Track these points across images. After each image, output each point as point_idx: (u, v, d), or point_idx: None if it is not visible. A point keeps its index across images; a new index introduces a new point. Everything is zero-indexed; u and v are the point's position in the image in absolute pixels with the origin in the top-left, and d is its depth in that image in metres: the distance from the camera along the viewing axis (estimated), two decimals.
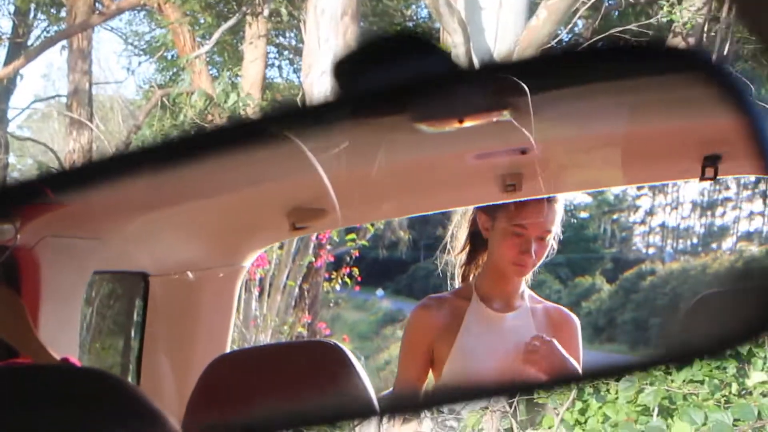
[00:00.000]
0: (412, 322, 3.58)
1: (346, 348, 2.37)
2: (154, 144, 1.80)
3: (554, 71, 1.54)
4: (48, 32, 20.60)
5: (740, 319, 1.74)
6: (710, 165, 2.60)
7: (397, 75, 1.32)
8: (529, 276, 3.49)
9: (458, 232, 3.63)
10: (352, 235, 10.17)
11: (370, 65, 1.33)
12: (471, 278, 3.58)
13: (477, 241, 3.54)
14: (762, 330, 1.54)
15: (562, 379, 3.28)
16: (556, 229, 3.38)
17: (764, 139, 1.36)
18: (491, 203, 3.26)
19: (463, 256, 3.62)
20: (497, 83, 1.50)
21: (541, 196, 3.15)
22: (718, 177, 2.61)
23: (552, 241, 3.38)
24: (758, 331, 1.60)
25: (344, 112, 1.51)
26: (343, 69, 1.37)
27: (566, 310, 3.51)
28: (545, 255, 3.37)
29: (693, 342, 2.08)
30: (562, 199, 3.39)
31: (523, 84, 1.48)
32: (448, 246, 3.69)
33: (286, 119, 1.57)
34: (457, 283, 3.63)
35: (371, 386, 2.28)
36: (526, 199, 3.14)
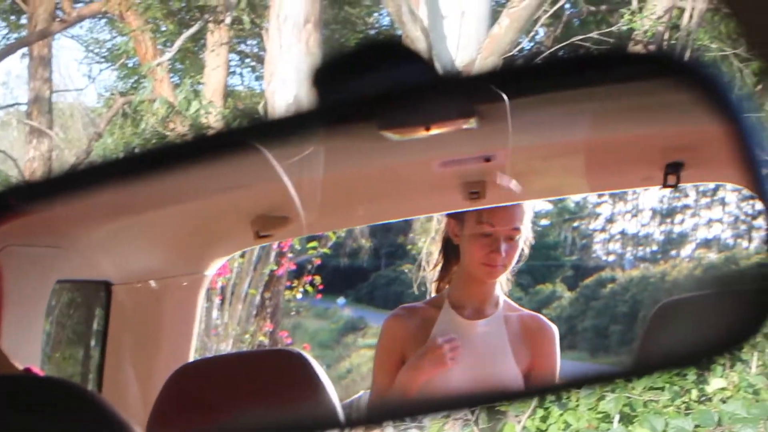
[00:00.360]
0: (384, 331, 3.55)
1: (309, 356, 2.36)
2: (120, 157, 1.79)
3: (518, 81, 1.54)
4: (8, 40, 20.44)
5: (704, 330, 1.76)
6: (672, 172, 2.62)
7: (379, 83, 1.32)
8: (504, 282, 3.47)
9: (432, 248, 3.61)
10: (314, 243, 10.16)
11: (352, 73, 1.33)
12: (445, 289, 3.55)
13: (450, 253, 3.52)
14: (731, 342, 1.54)
15: (536, 389, 3.28)
16: (527, 231, 3.36)
17: (748, 143, 1.36)
18: (457, 210, 3.27)
19: (437, 271, 3.60)
20: (464, 91, 1.51)
21: (505, 203, 3.16)
22: (679, 184, 2.63)
23: (522, 244, 3.36)
24: (728, 344, 1.60)
25: (314, 120, 1.51)
26: (324, 76, 1.37)
27: (544, 318, 3.48)
28: (516, 256, 3.35)
29: (659, 355, 2.09)
30: (528, 226, 3.38)
31: (491, 92, 1.48)
32: (423, 262, 3.68)
33: (254, 131, 1.57)
34: (432, 295, 3.62)
35: (335, 395, 2.28)
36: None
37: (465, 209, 3.15)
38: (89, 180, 1.56)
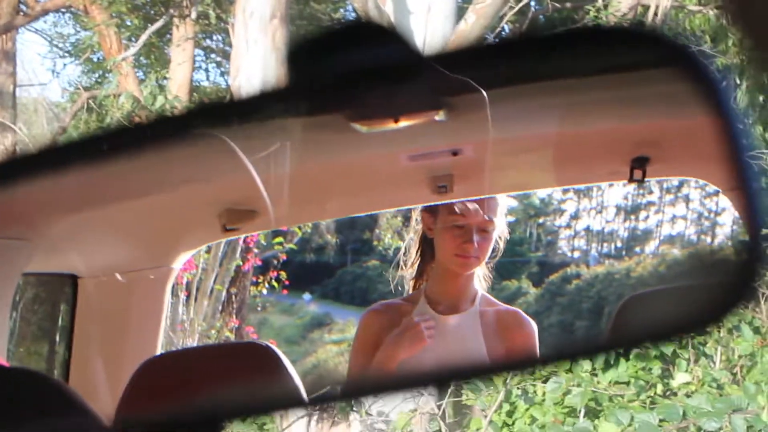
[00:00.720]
0: (361, 325, 3.55)
1: (277, 349, 2.37)
2: (80, 138, 1.78)
3: (496, 58, 1.54)
4: None
5: (668, 317, 1.77)
6: (638, 167, 2.64)
7: (356, 62, 1.32)
8: (483, 277, 3.48)
9: (410, 248, 3.61)
10: (280, 239, 10.16)
11: (326, 53, 1.33)
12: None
13: (426, 250, 3.52)
14: (691, 326, 1.56)
15: (503, 365, 3.27)
16: (501, 225, 3.36)
17: (738, 140, 1.36)
18: (428, 204, 3.28)
19: (415, 269, 3.60)
20: (433, 81, 1.51)
21: (473, 197, 3.17)
22: (645, 179, 2.65)
23: (497, 237, 3.36)
24: (686, 328, 1.62)
25: (279, 107, 1.51)
26: (300, 55, 1.36)
27: (522, 314, 3.47)
28: (490, 249, 3.34)
29: (622, 336, 2.11)
30: (503, 218, 3.38)
31: (463, 82, 1.49)
32: (401, 261, 3.66)
33: (217, 112, 1.56)
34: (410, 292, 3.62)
35: (302, 385, 2.28)
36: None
37: (436, 203, 3.16)
38: (50, 163, 1.55)
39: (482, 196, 3.20)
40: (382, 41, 1.32)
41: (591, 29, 1.49)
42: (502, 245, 3.42)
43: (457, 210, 3.28)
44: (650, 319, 2.02)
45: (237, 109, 1.58)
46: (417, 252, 3.57)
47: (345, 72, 1.34)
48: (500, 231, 3.38)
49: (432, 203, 3.16)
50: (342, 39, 1.33)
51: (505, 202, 3.39)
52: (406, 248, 3.65)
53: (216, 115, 1.56)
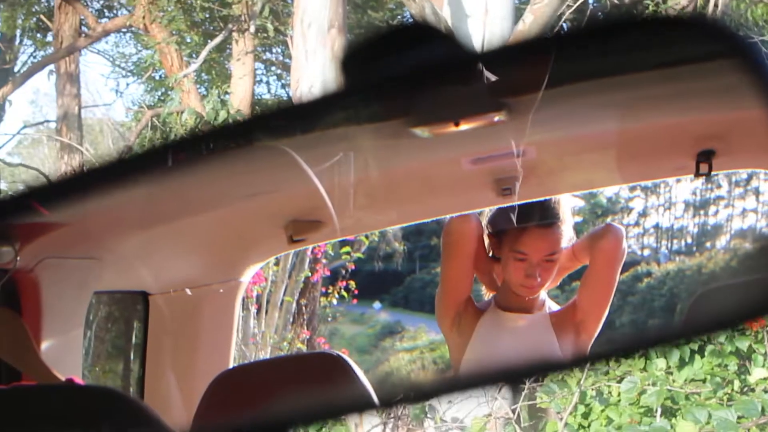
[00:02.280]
0: (455, 225, 3.49)
1: (349, 358, 2.37)
2: (145, 150, 1.80)
3: (556, 48, 1.53)
4: (35, 57, 20.60)
5: (742, 305, 1.75)
6: (704, 161, 2.61)
7: (409, 63, 1.32)
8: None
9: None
10: (347, 248, 10.16)
11: (382, 54, 1.33)
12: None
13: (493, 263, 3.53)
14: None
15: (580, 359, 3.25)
16: (565, 245, 3.37)
17: None
18: (498, 230, 3.30)
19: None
20: (491, 84, 1.50)
21: (538, 198, 3.15)
22: (712, 172, 2.62)
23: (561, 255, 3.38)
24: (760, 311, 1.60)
25: (339, 114, 1.51)
26: (355, 58, 1.36)
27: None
28: (554, 272, 3.37)
29: (697, 322, 2.08)
30: (570, 221, 3.38)
31: (521, 83, 1.48)
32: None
33: (277, 119, 1.56)
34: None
35: (374, 393, 2.28)
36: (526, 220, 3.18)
37: (496, 206, 3.15)
38: (115, 176, 1.56)
39: (547, 196, 3.19)
40: (434, 42, 1.32)
41: (649, 19, 1.46)
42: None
43: (518, 249, 3.31)
44: (723, 309, 1.99)
45: (296, 114, 1.58)
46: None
47: (400, 74, 1.34)
48: (565, 250, 3.40)
49: (495, 206, 3.15)
50: (395, 41, 1.33)
51: (570, 225, 3.40)
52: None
53: (277, 122, 1.57)
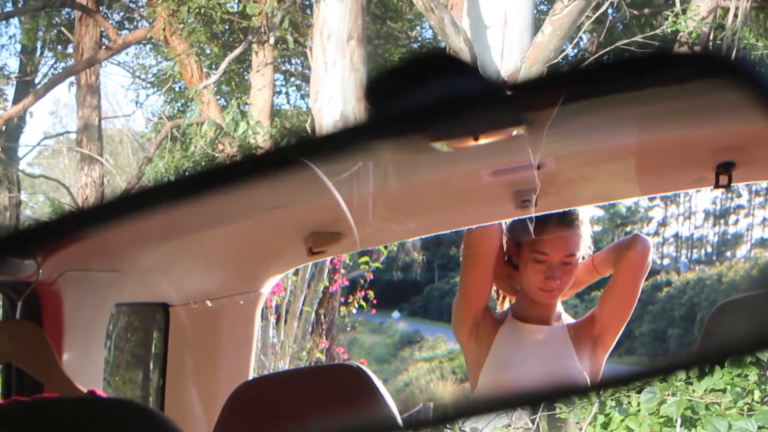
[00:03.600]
0: (476, 235, 3.49)
1: (368, 370, 2.37)
2: (170, 181, 1.80)
3: (565, 87, 1.54)
4: (55, 69, 20.71)
5: (761, 324, 1.75)
6: (724, 172, 2.60)
7: (429, 94, 1.33)
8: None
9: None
10: (365, 258, 10.16)
11: (401, 87, 1.34)
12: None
13: (511, 271, 3.55)
14: None
15: (604, 383, 3.25)
16: (584, 250, 3.40)
17: None
18: (517, 235, 3.32)
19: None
20: (512, 100, 1.51)
21: (557, 210, 3.16)
22: (731, 184, 2.61)
23: (580, 260, 3.40)
24: None
25: (365, 134, 1.52)
26: (375, 91, 1.38)
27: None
28: (573, 277, 3.39)
29: (716, 346, 2.08)
30: (588, 223, 3.39)
31: (539, 100, 1.49)
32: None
33: (304, 148, 1.58)
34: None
35: (394, 406, 2.29)
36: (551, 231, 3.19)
37: (517, 218, 3.15)
38: (141, 204, 1.57)
39: (564, 209, 3.19)
40: (456, 72, 1.33)
41: (636, 58, 1.47)
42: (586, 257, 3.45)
43: (538, 249, 3.34)
44: (743, 327, 1.99)
45: (319, 145, 1.59)
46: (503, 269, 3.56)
47: (422, 106, 1.35)
48: (584, 255, 3.42)
49: (516, 217, 3.15)
50: (416, 72, 1.34)
51: (588, 228, 3.41)
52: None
53: (301, 149, 1.58)
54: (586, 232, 3.39)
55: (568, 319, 3.51)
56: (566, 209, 3.24)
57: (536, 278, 3.37)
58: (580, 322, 3.46)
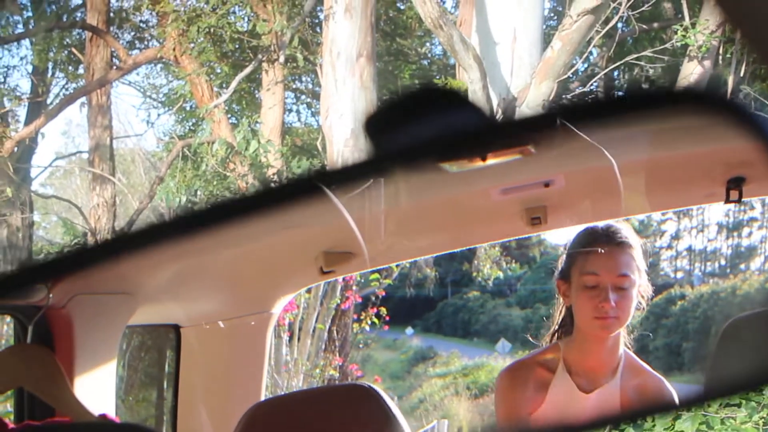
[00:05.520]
0: (502, 386, 3.32)
1: (380, 389, 2.37)
2: (182, 216, 1.81)
3: (569, 121, 1.54)
4: (67, 90, 20.77)
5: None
6: (734, 187, 2.60)
7: (430, 129, 1.33)
8: (626, 341, 3.23)
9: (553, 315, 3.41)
10: (376, 275, 10.16)
11: (402, 121, 1.34)
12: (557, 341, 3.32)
13: (566, 320, 3.29)
14: None
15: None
16: (639, 280, 3.10)
17: None
18: (565, 270, 3.13)
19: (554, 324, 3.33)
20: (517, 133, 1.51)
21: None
22: (742, 199, 2.61)
23: (637, 295, 3.10)
24: None
25: (371, 168, 1.52)
26: (375, 127, 1.38)
27: (666, 384, 3.20)
28: (631, 308, 3.09)
29: (730, 379, 2.06)
30: (639, 247, 3.13)
31: (545, 123, 1.49)
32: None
33: (315, 180, 1.58)
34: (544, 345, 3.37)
35: (407, 426, 2.28)
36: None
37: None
38: (155, 239, 1.58)
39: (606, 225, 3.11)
40: (455, 106, 1.33)
41: (633, 97, 1.48)
42: (644, 304, 3.17)
43: (588, 270, 3.07)
44: (752, 355, 1.98)
45: (331, 178, 1.60)
46: (558, 321, 3.32)
47: (422, 140, 1.36)
48: (641, 286, 3.14)
49: (524, 234, 3.14)
50: (415, 106, 1.34)
51: (641, 255, 3.12)
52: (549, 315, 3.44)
53: (312, 181, 1.58)
54: (638, 253, 3.12)
55: (629, 367, 3.21)
56: (614, 229, 3.10)
57: (589, 305, 3.07)
58: (640, 392, 3.15)
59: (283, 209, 1.68)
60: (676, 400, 3.22)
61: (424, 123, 1.33)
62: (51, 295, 2.31)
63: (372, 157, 1.42)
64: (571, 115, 1.51)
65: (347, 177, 1.58)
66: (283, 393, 8.28)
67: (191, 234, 1.61)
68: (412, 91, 1.35)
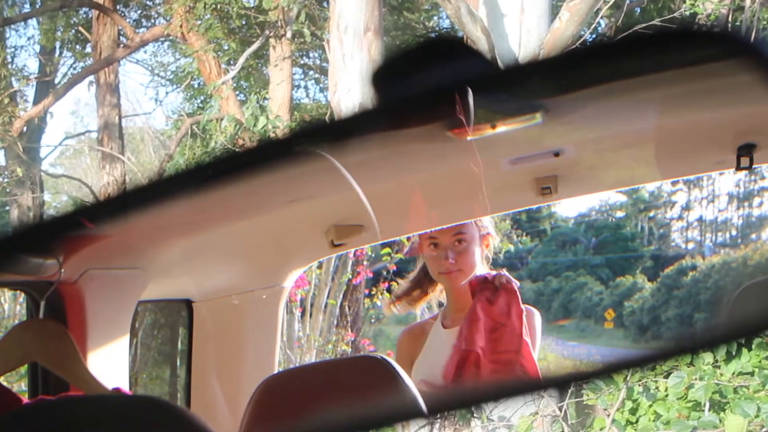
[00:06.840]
0: (398, 345, 3.81)
1: (393, 361, 2.37)
2: (188, 169, 1.80)
3: (582, 69, 1.53)
4: (74, 69, 20.77)
5: None
6: (745, 154, 2.59)
7: (435, 80, 1.32)
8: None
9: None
10: (387, 249, 10.16)
11: (408, 72, 1.34)
12: None
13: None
14: None
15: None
16: (474, 231, 3.51)
17: None
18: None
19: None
20: (527, 86, 1.50)
21: (578, 196, 3.14)
22: (754, 166, 2.60)
23: (477, 248, 3.52)
24: None
25: (379, 122, 1.51)
26: (382, 77, 1.37)
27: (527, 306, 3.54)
28: (471, 259, 3.51)
29: (740, 322, 2.06)
30: None
31: (555, 85, 1.48)
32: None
33: (319, 134, 1.57)
34: None
35: (419, 395, 2.28)
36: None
37: (537, 206, 3.16)
38: (159, 194, 1.57)
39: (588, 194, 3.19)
40: (463, 57, 1.32)
41: (655, 35, 1.45)
42: (490, 255, 3.62)
43: (429, 236, 3.48)
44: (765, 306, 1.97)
45: (335, 130, 1.58)
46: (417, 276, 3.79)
47: (428, 90, 1.35)
48: (484, 238, 3.56)
49: (536, 206, 3.15)
50: (422, 57, 1.34)
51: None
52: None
53: (316, 136, 1.57)
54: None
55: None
56: None
57: (434, 264, 3.54)
58: None
59: (290, 170, 1.67)
60: (537, 318, 3.53)
61: (432, 73, 1.32)
62: (63, 270, 2.31)
63: (375, 108, 1.41)
64: (583, 60, 1.49)
65: (353, 127, 1.57)
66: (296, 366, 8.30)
67: (196, 190, 1.60)
68: (418, 42, 1.34)
